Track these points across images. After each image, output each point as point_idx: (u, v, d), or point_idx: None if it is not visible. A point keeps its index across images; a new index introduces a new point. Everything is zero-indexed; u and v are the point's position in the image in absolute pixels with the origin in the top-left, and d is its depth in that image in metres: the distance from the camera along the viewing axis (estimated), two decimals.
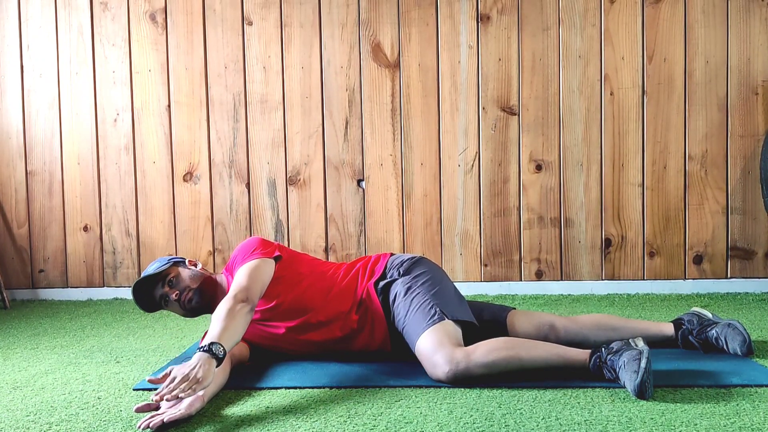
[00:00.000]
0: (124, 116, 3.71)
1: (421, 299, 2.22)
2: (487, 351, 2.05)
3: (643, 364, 1.88)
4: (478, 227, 3.55)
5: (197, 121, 3.67)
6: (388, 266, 2.41)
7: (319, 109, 3.60)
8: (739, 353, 2.22)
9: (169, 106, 3.68)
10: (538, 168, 3.51)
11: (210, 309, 2.36)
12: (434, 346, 2.07)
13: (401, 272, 2.35)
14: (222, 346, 1.88)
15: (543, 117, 3.49)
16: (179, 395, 1.74)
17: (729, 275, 3.45)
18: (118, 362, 2.46)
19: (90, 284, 3.79)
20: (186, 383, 1.77)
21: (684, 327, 2.38)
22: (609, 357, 2.00)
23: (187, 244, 3.71)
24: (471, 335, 2.19)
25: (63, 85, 3.73)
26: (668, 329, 2.41)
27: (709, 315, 2.42)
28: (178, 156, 3.69)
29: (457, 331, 2.15)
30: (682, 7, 3.43)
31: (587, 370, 2.03)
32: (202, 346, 1.87)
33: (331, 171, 3.61)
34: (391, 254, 2.52)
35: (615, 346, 2.03)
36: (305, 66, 3.60)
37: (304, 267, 2.39)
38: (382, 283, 2.34)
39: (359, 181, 3.60)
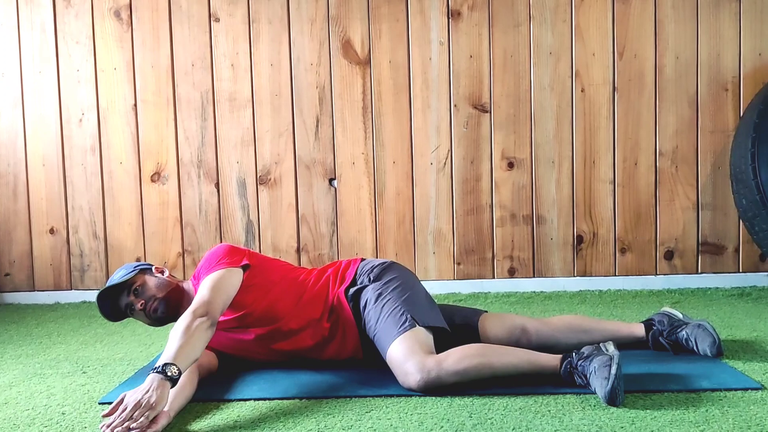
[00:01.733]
0: (90, 116, 3.63)
1: (392, 306, 2.20)
2: (458, 358, 2.04)
3: (613, 370, 1.88)
4: (451, 225, 3.54)
5: (164, 120, 3.60)
6: (358, 272, 2.39)
7: (289, 107, 3.55)
8: (709, 354, 2.23)
9: (135, 105, 3.61)
10: (510, 165, 3.50)
11: (176, 318, 2.31)
12: (405, 354, 2.05)
13: (372, 278, 2.33)
14: (177, 366, 1.83)
15: (515, 114, 3.48)
16: (131, 426, 1.70)
17: (699, 270, 3.47)
18: (84, 372, 2.41)
19: (57, 287, 3.72)
20: (139, 410, 1.73)
21: (654, 328, 2.38)
22: (580, 363, 2.00)
23: (156, 246, 3.65)
24: (443, 340, 2.18)
25: (26, 84, 3.64)
26: (639, 330, 2.41)
27: (680, 315, 2.42)
28: (145, 156, 3.63)
29: (429, 338, 2.13)
30: (652, 3, 3.42)
31: (558, 376, 2.02)
32: (155, 368, 1.83)
33: (303, 170, 3.57)
34: (362, 259, 2.50)
35: (586, 351, 2.03)
36: (274, 63, 3.55)
37: (275, 274, 2.35)
38: (352, 290, 2.32)
39: (331, 180, 3.56)
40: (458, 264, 3.55)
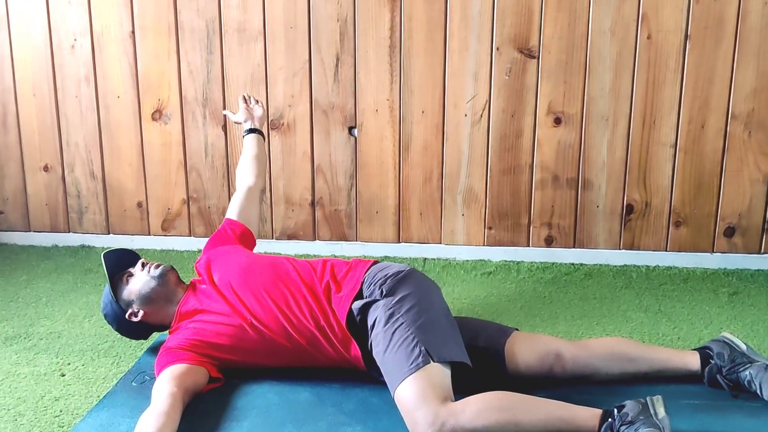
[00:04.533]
0: (83, 42, 3.21)
1: (404, 333, 1.88)
2: (478, 411, 1.73)
3: None
4: (484, 185, 3.14)
5: (165, 51, 3.17)
6: (367, 280, 2.06)
7: (306, 43, 3.09)
8: None
9: (133, 32, 3.17)
10: (557, 121, 3.04)
11: (161, 312, 2.19)
12: (416, 399, 1.75)
13: (384, 292, 2.00)
14: None
15: (566, 62, 2.98)
16: None
17: (763, 250, 3.06)
18: (62, 375, 2.16)
19: (54, 229, 3.44)
20: None
21: (712, 363, 2.04)
22: (622, 429, 1.68)
23: (159, 191, 3.33)
24: (463, 369, 1.88)
25: (11, 3, 3.21)
26: (693, 363, 2.07)
27: (743, 347, 2.06)
28: (145, 90, 3.23)
29: (445, 376, 1.82)
30: None
31: None
32: None
33: (319, 115, 3.15)
34: (375, 262, 2.16)
35: (630, 411, 1.71)
36: None
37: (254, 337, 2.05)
38: (359, 303, 2.00)
39: (351, 129, 3.15)
40: (489, 228, 3.18)
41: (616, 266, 3.11)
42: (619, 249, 3.13)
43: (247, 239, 2.43)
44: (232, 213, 2.49)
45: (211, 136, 3.23)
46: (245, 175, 2.56)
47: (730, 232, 3.06)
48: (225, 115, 2.92)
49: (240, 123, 2.68)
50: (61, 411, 1.95)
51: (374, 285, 2.03)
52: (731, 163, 3.00)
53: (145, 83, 3.22)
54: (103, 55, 3.22)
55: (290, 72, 3.13)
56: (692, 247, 3.10)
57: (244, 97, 2.68)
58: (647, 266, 3.10)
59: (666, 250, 3.11)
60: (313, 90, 3.13)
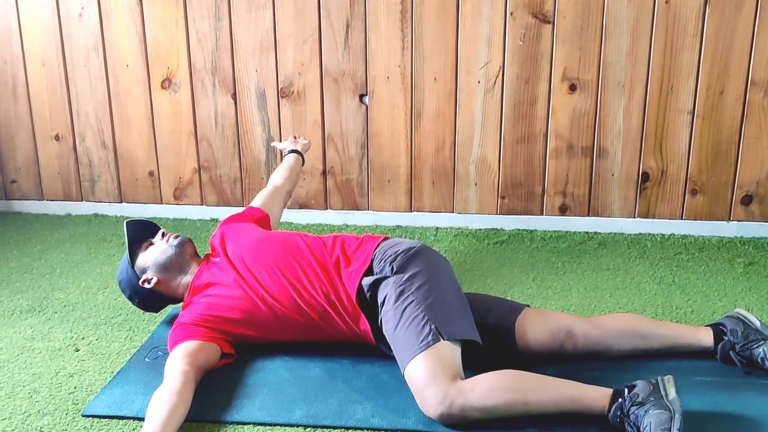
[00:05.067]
0: (90, 10, 3.16)
1: (414, 311, 1.88)
2: (487, 391, 1.74)
3: None
4: (497, 154, 3.10)
5: (173, 18, 3.12)
6: (377, 256, 2.05)
7: (315, 9, 3.03)
8: None
9: (140, 0, 3.13)
10: (572, 88, 2.98)
11: (174, 285, 2.23)
12: (425, 378, 1.76)
13: (395, 268, 1.99)
14: None
15: (582, 27, 2.91)
16: None
17: None
18: (77, 350, 2.18)
19: (67, 197, 3.45)
20: None
21: (725, 339, 2.02)
22: (633, 410, 1.68)
23: (170, 160, 3.31)
24: (474, 347, 1.88)
25: None
26: (706, 338, 2.06)
27: (757, 324, 2.04)
28: (153, 59, 3.19)
29: (455, 354, 1.82)
30: None
31: (605, 419, 1.72)
32: None
33: (330, 83, 3.11)
34: (386, 238, 2.15)
35: (640, 392, 1.70)
36: None
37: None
38: (369, 279, 2.00)
39: (362, 97, 3.11)
40: (503, 198, 3.15)
41: (630, 235, 3.07)
42: (634, 217, 3.09)
43: (263, 223, 2.43)
44: (255, 203, 2.54)
45: (221, 104, 3.20)
46: (275, 177, 2.66)
47: (747, 200, 3.02)
48: (273, 145, 3.11)
49: (285, 148, 2.80)
50: (75, 387, 1.97)
51: (385, 261, 2.02)
52: (750, 130, 2.93)
53: (154, 52, 3.18)
54: (111, 24, 3.17)
55: (300, 39, 3.07)
56: (708, 215, 3.05)
57: (294, 135, 2.84)
58: (662, 235, 3.06)
59: (682, 219, 3.07)
60: (323, 57, 3.08)
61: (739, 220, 3.04)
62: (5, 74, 3.31)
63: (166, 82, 3.21)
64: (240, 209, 2.54)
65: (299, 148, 2.77)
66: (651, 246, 2.97)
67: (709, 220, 3.06)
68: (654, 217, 3.08)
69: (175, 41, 3.15)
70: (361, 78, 3.08)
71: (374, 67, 3.06)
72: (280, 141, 3.08)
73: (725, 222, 3.05)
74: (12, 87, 3.32)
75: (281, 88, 3.14)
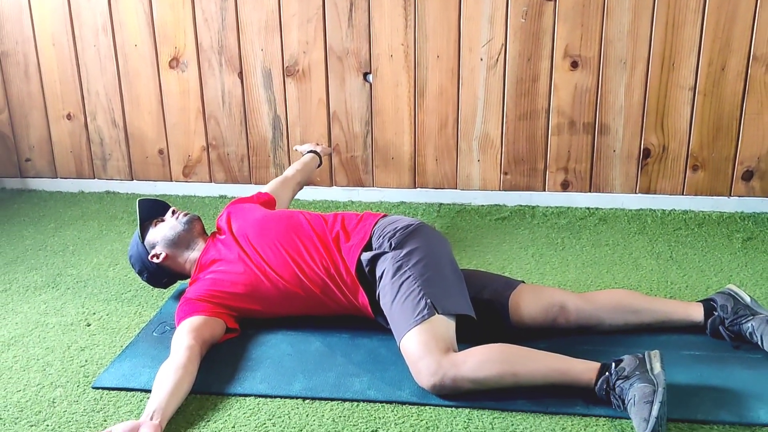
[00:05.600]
0: None
1: (411, 286, 1.94)
2: (479, 363, 1.80)
3: (654, 411, 1.61)
4: (500, 131, 3.13)
5: None
6: (376, 233, 2.11)
7: None
8: None
9: None
10: (574, 65, 3.00)
11: (182, 260, 2.32)
12: (420, 350, 1.83)
13: (393, 244, 2.05)
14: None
15: (584, 4, 2.92)
16: None
17: None
18: (88, 325, 2.27)
19: (80, 175, 3.54)
20: None
21: (715, 314, 2.07)
22: (618, 383, 1.74)
23: (179, 138, 3.38)
24: (468, 321, 1.95)
25: None
26: (697, 314, 2.11)
27: (747, 299, 2.09)
28: (161, 39, 3.24)
29: (449, 328, 1.89)
30: None
31: (592, 392, 1.78)
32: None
33: (334, 62, 3.15)
34: (384, 216, 2.21)
35: (626, 366, 1.76)
36: None
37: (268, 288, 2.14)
38: (368, 255, 2.06)
39: (366, 75, 3.15)
40: (505, 174, 3.19)
41: (631, 210, 3.11)
42: (636, 193, 3.13)
43: (269, 206, 2.51)
44: (265, 189, 2.64)
45: (228, 83, 3.25)
46: (289, 170, 2.82)
47: (748, 175, 3.04)
48: (295, 149, 3.15)
49: (305, 150, 2.97)
50: (86, 361, 2.06)
51: (383, 237, 2.08)
52: (751, 105, 2.95)
53: (161, 32, 3.23)
54: (119, 4, 3.22)
55: (304, 18, 3.11)
56: (709, 191, 3.08)
57: (316, 143, 3.11)
58: (663, 210, 3.09)
59: (683, 194, 3.10)
60: (327, 36, 3.12)
61: (739, 196, 3.07)
62: (17, 54, 3.38)
63: (174, 62, 3.26)
64: (247, 186, 2.62)
65: (318, 150, 2.95)
66: (651, 222, 3.00)
67: (710, 195, 3.09)
68: (655, 193, 3.12)
69: (182, 21, 3.20)
70: (365, 56, 3.12)
71: (378, 45, 3.10)
72: (285, 119, 3.14)
73: (726, 197, 3.08)
74: (24, 67, 3.40)
75: (287, 67, 3.18)
